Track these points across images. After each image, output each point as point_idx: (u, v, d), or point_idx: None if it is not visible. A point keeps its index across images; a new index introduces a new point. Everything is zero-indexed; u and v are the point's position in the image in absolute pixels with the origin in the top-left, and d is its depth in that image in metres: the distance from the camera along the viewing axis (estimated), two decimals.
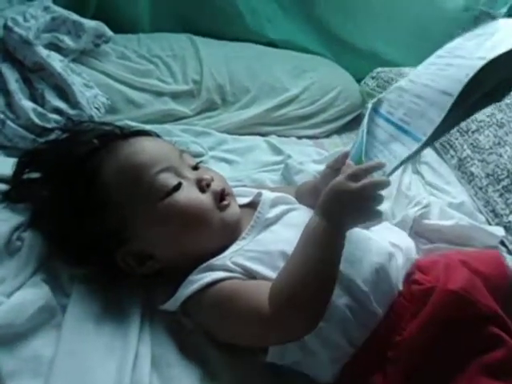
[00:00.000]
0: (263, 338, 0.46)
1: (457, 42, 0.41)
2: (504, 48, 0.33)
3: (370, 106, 0.47)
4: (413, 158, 0.40)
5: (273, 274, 0.47)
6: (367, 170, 0.44)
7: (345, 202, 0.44)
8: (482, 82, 0.34)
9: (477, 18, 0.43)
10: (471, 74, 0.34)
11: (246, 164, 0.79)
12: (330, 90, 0.96)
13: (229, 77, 0.91)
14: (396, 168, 0.44)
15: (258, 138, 0.86)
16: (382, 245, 0.51)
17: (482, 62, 0.34)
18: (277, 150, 0.82)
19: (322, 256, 0.44)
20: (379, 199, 0.45)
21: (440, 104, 0.37)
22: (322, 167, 0.73)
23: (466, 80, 0.34)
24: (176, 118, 0.85)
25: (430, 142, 0.39)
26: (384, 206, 0.71)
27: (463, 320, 0.46)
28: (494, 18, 0.40)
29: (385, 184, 0.44)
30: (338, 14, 1.08)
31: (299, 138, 0.92)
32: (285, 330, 0.44)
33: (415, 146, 0.39)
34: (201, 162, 0.58)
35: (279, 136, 0.90)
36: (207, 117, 0.87)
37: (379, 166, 0.44)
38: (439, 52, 0.43)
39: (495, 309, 0.47)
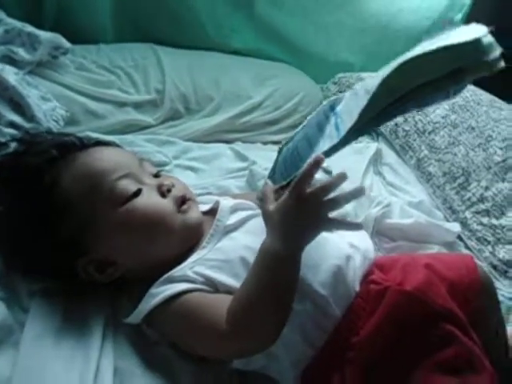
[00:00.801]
0: (222, 352, 0.47)
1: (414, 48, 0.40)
2: (432, 46, 0.32)
3: (325, 102, 0.46)
4: (333, 151, 0.40)
5: (234, 282, 0.48)
6: (306, 178, 0.42)
7: (295, 221, 0.43)
8: (409, 78, 0.34)
9: (433, 25, 0.44)
10: (387, 73, 0.34)
11: (212, 171, 0.80)
12: (293, 96, 0.98)
13: (192, 85, 0.91)
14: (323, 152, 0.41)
15: (222, 145, 0.87)
16: (340, 247, 0.52)
17: (401, 59, 0.33)
18: (242, 157, 0.83)
19: (275, 278, 0.43)
20: (330, 205, 0.43)
21: (362, 101, 0.37)
22: None
23: (378, 80, 0.34)
24: (139, 128, 0.84)
25: (350, 138, 0.38)
26: (347, 208, 0.74)
27: (416, 319, 0.47)
28: (455, 25, 0.39)
29: (331, 185, 0.42)
30: (298, 22, 1.10)
31: (265, 143, 0.93)
32: (241, 347, 0.45)
33: (333, 142, 0.39)
34: (162, 170, 0.58)
35: (244, 142, 0.90)
36: (171, 125, 0.87)
37: (316, 166, 0.41)
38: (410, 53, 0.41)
39: (450, 307, 0.48)
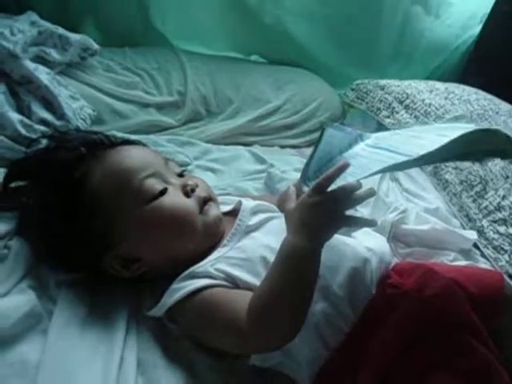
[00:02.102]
0: (242, 347, 0.48)
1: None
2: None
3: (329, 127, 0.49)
4: (394, 169, 0.44)
5: (254, 280, 0.49)
6: (331, 178, 0.43)
7: (314, 216, 0.44)
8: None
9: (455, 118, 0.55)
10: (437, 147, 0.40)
11: (230, 173, 0.81)
12: (311, 101, 0.99)
13: (213, 88, 0.94)
14: (376, 172, 0.43)
15: (241, 147, 0.89)
16: (358, 250, 0.53)
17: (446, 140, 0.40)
18: (260, 159, 0.85)
19: (296, 273, 0.44)
20: (351, 203, 0.45)
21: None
22: None
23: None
24: (161, 129, 0.87)
25: (416, 162, 0.42)
26: (364, 212, 0.75)
27: (432, 327, 0.47)
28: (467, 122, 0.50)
29: (352, 187, 0.43)
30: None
31: (282, 147, 0.95)
32: (260, 342, 0.45)
33: (403, 158, 0.42)
34: (185, 170, 0.60)
35: (263, 145, 0.92)
36: (192, 127, 0.90)
37: (340, 170, 0.43)
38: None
39: (469, 317, 0.48)
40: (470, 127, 0.42)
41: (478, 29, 1.17)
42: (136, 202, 0.51)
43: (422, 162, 0.42)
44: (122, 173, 0.51)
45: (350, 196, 0.44)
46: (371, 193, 0.46)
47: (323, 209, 0.44)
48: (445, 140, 0.40)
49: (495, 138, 0.42)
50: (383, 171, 0.44)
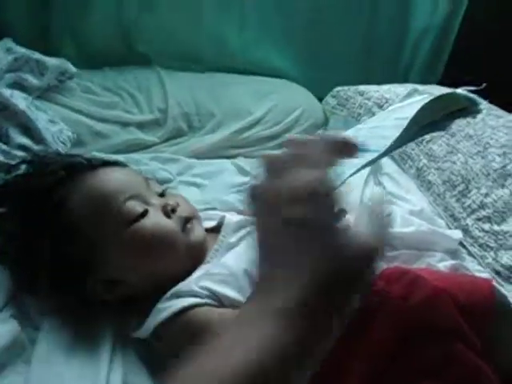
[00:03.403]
0: None
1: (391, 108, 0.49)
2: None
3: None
4: (365, 166, 0.44)
5: (238, 296, 0.49)
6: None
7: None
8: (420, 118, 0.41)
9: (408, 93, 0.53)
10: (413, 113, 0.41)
11: (215, 187, 0.81)
12: (292, 111, 1.00)
13: (194, 103, 0.94)
14: (352, 174, 0.44)
15: (225, 160, 0.89)
16: None
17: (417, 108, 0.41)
18: (244, 172, 0.85)
19: None
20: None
21: (397, 125, 0.42)
22: None
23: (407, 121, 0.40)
24: (143, 147, 0.87)
25: (383, 155, 0.42)
26: (350, 218, 0.75)
27: (419, 334, 0.47)
28: (420, 94, 0.50)
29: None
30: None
31: None
32: None
33: (373, 155, 0.43)
34: (168, 188, 0.60)
35: (246, 157, 0.92)
36: (174, 143, 0.90)
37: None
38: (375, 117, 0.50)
39: (457, 324, 0.48)
40: (425, 98, 0.42)
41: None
42: (116, 225, 0.51)
43: (392, 148, 0.42)
44: (101, 196, 0.51)
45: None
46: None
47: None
48: (405, 123, 0.40)
49: (453, 100, 0.43)
50: (357, 171, 0.44)
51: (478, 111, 0.44)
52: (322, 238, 0.25)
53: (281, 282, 0.25)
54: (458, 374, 0.46)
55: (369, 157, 0.43)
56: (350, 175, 0.43)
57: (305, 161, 0.27)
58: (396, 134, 0.41)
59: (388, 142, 0.41)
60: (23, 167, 0.60)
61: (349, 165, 0.47)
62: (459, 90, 0.43)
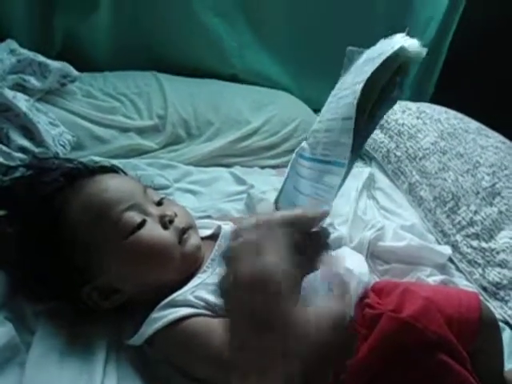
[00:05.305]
0: (225, 378, 0.47)
1: (341, 80, 0.48)
2: (375, 65, 0.40)
3: (293, 155, 0.52)
4: (345, 180, 0.44)
5: None
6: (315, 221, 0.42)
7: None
8: (368, 96, 0.40)
9: (348, 56, 0.50)
10: (358, 94, 0.41)
11: (211, 194, 0.82)
12: (289, 122, 1.01)
13: (193, 111, 0.95)
14: (335, 194, 0.44)
15: (222, 169, 0.90)
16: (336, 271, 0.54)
17: (362, 84, 0.41)
18: (240, 181, 0.86)
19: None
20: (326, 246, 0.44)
21: (346, 128, 0.42)
22: None
23: (355, 101, 0.41)
24: (141, 152, 0.87)
25: (352, 161, 0.43)
26: (342, 231, 0.76)
27: (409, 347, 0.48)
28: (361, 52, 0.48)
29: (327, 234, 0.43)
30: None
31: (262, 167, 0.96)
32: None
33: (343, 170, 0.43)
34: (165, 196, 0.60)
35: (243, 166, 0.94)
36: (172, 150, 0.90)
37: (322, 216, 0.42)
38: (332, 92, 0.49)
39: (445, 336, 0.49)
40: (363, 78, 0.41)
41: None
42: (114, 235, 0.51)
43: (352, 152, 0.42)
44: (100, 206, 0.51)
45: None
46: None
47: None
48: (349, 123, 0.41)
49: (394, 62, 0.41)
50: (338, 191, 0.45)
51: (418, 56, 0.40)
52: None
53: None
54: None
55: (336, 171, 0.44)
56: (334, 196, 0.44)
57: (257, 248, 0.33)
58: (348, 140, 0.41)
59: (345, 151, 0.42)
60: (21, 169, 0.60)
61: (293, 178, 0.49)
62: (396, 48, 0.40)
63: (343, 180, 0.43)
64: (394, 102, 0.43)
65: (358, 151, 0.44)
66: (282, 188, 0.52)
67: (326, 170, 0.45)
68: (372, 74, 0.40)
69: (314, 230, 0.43)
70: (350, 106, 0.41)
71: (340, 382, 0.48)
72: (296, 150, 0.51)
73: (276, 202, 0.53)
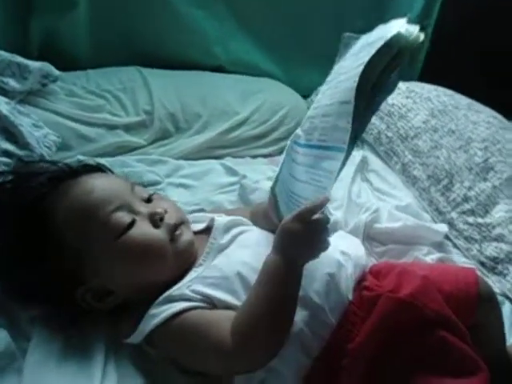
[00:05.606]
0: (226, 369, 0.48)
1: (337, 66, 0.48)
2: (373, 50, 0.41)
3: (288, 142, 0.52)
4: (344, 165, 0.44)
5: (231, 299, 0.49)
6: (313, 210, 0.45)
7: (295, 243, 0.46)
8: (366, 80, 0.41)
9: (343, 42, 0.50)
10: (357, 79, 0.41)
11: (203, 187, 0.81)
12: (278, 110, 1.00)
13: (180, 104, 0.93)
14: (335, 179, 0.45)
15: (212, 161, 0.89)
16: (333, 255, 0.53)
17: (361, 68, 0.41)
18: (232, 172, 0.85)
19: (279, 292, 0.45)
20: (326, 231, 0.46)
21: (344, 112, 0.42)
22: None
23: (355, 85, 0.41)
24: (130, 149, 0.86)
25: (351, 146, 0.43)
26: (337, 215, 0.76)
27: (409, 326, 0.48)
28: (357, 38, 0.48)
29: (327, 221, 0.46)
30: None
31: (254, 157, 0.95)
32: (247, 362, 0.46)
33: (342, 155, 0.43)
34: (154, 192, 0.59)
35: (234, 157, 0.92)
36: (161, 145, 0.89)
37: (323, 203, 0.44)
38: (327, 78, 0.49)
39: (444, 313, 0.49)
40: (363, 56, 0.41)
41: None
42: (104, 237, 0.50)
43: (352, 137, 0.42)
44: (87, 208, 0.50)
45: (326, 226, 0.46)
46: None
47: (303, 238, 0.46)
48: (348, 107, 0.41)
49: (392, 47, 0.41)
50: (337, 176, 0.44)
51: (416, 41, 0.41)
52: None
53: None
54: (447, 361, 0.47)
55: (335, 156, 0.44)
56: (334, 181, 0.44)
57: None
58: (346, 124, 0.41)
59: (344, 135, 0.42)
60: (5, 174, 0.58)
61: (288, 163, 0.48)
62: (395, 31, 0.41)
63: (343, 164, 0.43)
64: (394, 87, 0.44)
65: (358, 136, 0.44)
66: (278, 175, 0.52)
67: (323, 156, 0.45)
68: (370, 58, 0.40)
69: (314, 217, 0.44)
70: (349, 90, 0.41)
71: (342, 367, 0.48)
72: (291, 138, 0.51)
73: (272, 189, 0.53)
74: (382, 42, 0.40)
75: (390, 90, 0.44)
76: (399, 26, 0.41)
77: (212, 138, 0.92)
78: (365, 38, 0.46)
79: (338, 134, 0.43)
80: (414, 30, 0.41)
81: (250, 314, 0.45)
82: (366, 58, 0.40)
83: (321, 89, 0.51)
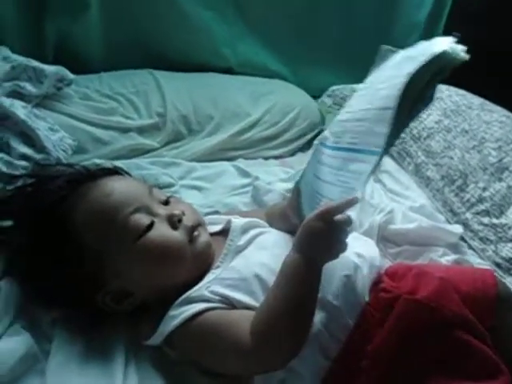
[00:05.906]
0: (246, 369, 0.48)
1: (373, 75, 0.49)
2: (418, 64, 0.42)
3: (315, 142, 0.53)
4: (375, 169, 0.45)
5: (250, 300, 0.49)
6: (337, 210, 0.45)
7: (316, 242, 0.46)
8: (410, 91, 0.42)
9: (381, 54, 0.50)
10: (401, 87, 0.42)
11: (216, 189, 0.82)
12: (289, 111, 1.00)
13: (192, 106, 0.94)
14: (365, 182, 0.45)
15: (225, 163, 0.89)
16: (348, 257, 0.53)
17: (405, 78, 0.42)
18: (244, 173, 0.85)
19: (299, 292, 0.45)
20: (346, 233, 0.46)
21: (383, 118, 0.43)
22: (289, 185, 0.76)
23: (399, 93, 0.42)
24: (143, 152, 0.87)
25: (385, 152, 0.44)
26: (351, 216, 0.76)
27: (427, 327, 0.48)
28: (394, 51, 0.50)
29: (350, 222, 0.45)
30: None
31: (266, 158, 0.95)
32: (267, 362, 0.46)
33: (374, 158, 0.43)
34: (171, 194, 0.59)
35: (246, 159, 0.93)
36: (174, 147, 0.90)
37: (351, 203, 0.44)
38: (360, 85, 0.51)
39: (462, 314, 0.49)
40: (403, 78, 0.42)
41: None
42: (123, 240, 0.50)
43: (387, 142, 0.43)
44: (106, 212, 0.51)
45: (348, 227, 0.46)
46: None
47: (325, 237, 0.45)
48: (387, 112, 0.42)
49: (437, 64, 0.43)
50: (368, 179, 0.45)
51: (459, 60, 0.42)
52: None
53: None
54: (470, 365, 0.47)
55: (366, 159, 0.44)
56: (364, 182, 0.44)
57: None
58: (384, 129, 0.42)
59: (379, 140, 0.43)
60: (24, 178, 0.59)
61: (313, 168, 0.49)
62: (443, 48, 0.42)
63: (374, 167, 0.43)
64: (431, 100, 0.45)
65: (392, 143, 0.45)
66: (303, 174, 0.53)
67: (352, 158, 0.46)
68: (417, 70, 0.42)
69: (337, 217, 0.44)
70: (389, 97, 0.43)
71: (360, 369, 0.48)
72: (318, 138, 0.52)
73: (297, 185, 0.54)
74: (429, 57, 0.42)
75: (428, 102, 0.45)
76: (446, 44, 0.42)
77: (224, 139, 0.93)
78: (404, 52, 0.47)
79: (372, 138, 0.44)
80: (460, 49, 0.42)
81: (269, 314, 0.46)
82: (411, 70, 0.42)
83: (352, 95, 0.52)
